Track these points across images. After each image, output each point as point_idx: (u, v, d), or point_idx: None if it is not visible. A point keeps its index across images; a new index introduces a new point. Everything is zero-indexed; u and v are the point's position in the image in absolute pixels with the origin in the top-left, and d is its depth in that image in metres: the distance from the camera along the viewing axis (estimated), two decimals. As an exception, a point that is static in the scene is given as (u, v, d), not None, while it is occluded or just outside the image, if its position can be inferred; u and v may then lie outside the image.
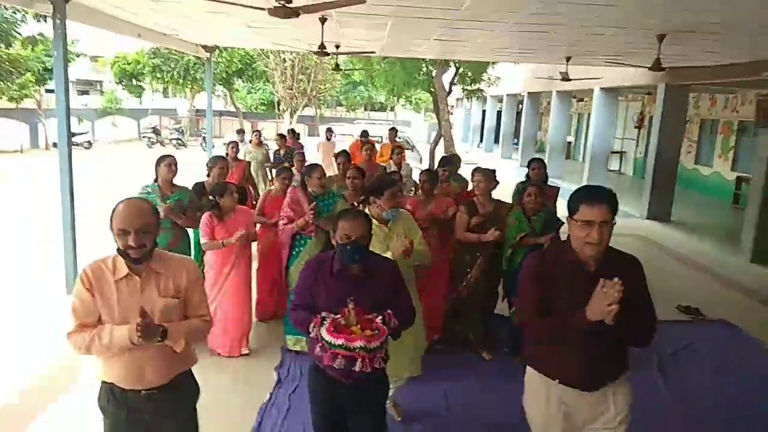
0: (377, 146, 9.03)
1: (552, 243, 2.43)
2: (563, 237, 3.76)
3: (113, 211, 2.22)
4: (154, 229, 2.26)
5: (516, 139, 22.51)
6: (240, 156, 7.88)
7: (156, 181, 4.69)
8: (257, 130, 10.28)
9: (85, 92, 38.95)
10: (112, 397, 2.33)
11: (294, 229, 4.53)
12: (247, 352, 4.69)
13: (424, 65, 16.03)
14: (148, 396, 2.32)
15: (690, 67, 9.70)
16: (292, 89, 26.68)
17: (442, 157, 6.38)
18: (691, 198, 14.02)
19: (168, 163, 4.67)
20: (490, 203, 4.73)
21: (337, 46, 9.21)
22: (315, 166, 4.78)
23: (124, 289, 2.25)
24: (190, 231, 4.93)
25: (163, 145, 25.74)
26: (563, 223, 4.52)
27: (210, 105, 11.83)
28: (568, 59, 9.17)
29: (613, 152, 19.27)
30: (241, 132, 11.55)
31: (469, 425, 3.88)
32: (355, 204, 4.45)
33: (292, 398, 4.05)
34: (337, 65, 12.20)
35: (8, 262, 7.20)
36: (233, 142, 7.71)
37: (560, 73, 9.68)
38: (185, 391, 2.46)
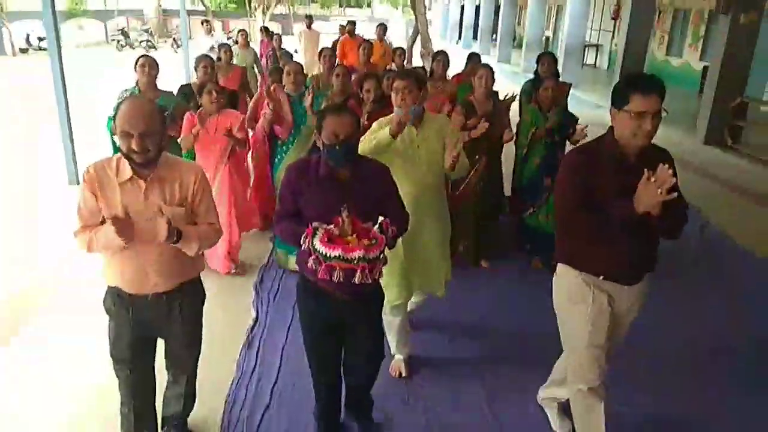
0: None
1: (594, 139, 2.33)
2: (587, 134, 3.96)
3: (116, 111, 2.12)
4: (159, 132, 2.14)
5: (495, 35, 22.36)
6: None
7: (137, 84, 4.36)
8: (243, 30, 9.05)
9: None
10: (118, 299, 2.32)
11: (264, 123, 4.16)
12: (234, 270, 4.45)
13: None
14: (155, 300, 2.31)
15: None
16: (263, -16, 25.70)
17: (438, 51, 5.83)
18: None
19: (141, 64, 4.29)
20: (488, 101, 4.37)
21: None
22: (287, 64, 4.45)
23: (127, 192, 2.17)
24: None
25: (133, 48, 25.02)
26: (578, 119, 4.50)
27: (183, 3, 11.68)
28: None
29: (589, 45, 19.47)
30: (206, 23, 10.54)
31: (478, 334, 3.75)
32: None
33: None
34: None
35: (8, 160, 7.57)
36: (225, 44, 7.06)
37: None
38: (191, 297, 2.44)
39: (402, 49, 6.88)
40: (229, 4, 33.38)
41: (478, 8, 24.31)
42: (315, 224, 2.16)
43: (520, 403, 3.05)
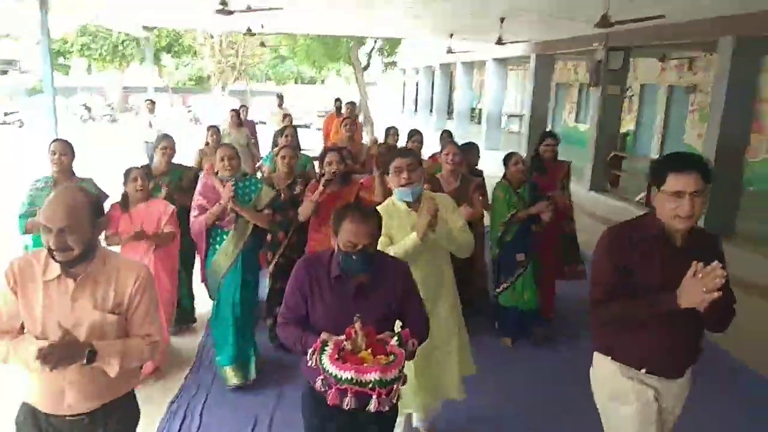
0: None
1: (636, 217, 2.22)
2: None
3: (26, 206, 1.95)
4: (86, 228, 1.86)
5: (432, 107, 24.88)
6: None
7: (52, 174, 3.78)
8: (235, 109, 8.12)
9: (3, 72, 38.17)
10: (32, 418, 2.01)
11: (208, 219, 3.69)
12: (153, 378, 3.88)
13: (343, 40, 17.96)
14: (73, 422, 1.99)
15: (553, 39, 12.20)
16: (221, 63, 27.90)
17: (413, 130, 5.56)
18: (570, 151, 16.77)
19: (53, 151, 3.65)
20: (456, 179, 4.21)
21: (262, 26, 10.91)
22: (219, 147, 3.95)
23: (53, 293, 1.90)
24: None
25: (95, 121, 26.47)
26: (548, 198, 4.37)
27: (152, 82, 13.29)
28: (451, 35, 11.40)
29: (513, 116, 22.05)
30: (149, 102, 10.11)
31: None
32: (281, 189, 4.02)
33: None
34: (263, 42, 13.84)
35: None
36: (213, 127, 6.50)
37: (447, 48, 11.94)
38: (120, 418, 2.10)
39: (395, 128, 6.34)
40: (188, 82, 35.47)
41: (418, 84, 27.05)
42: (323, 337, 1.94)
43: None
